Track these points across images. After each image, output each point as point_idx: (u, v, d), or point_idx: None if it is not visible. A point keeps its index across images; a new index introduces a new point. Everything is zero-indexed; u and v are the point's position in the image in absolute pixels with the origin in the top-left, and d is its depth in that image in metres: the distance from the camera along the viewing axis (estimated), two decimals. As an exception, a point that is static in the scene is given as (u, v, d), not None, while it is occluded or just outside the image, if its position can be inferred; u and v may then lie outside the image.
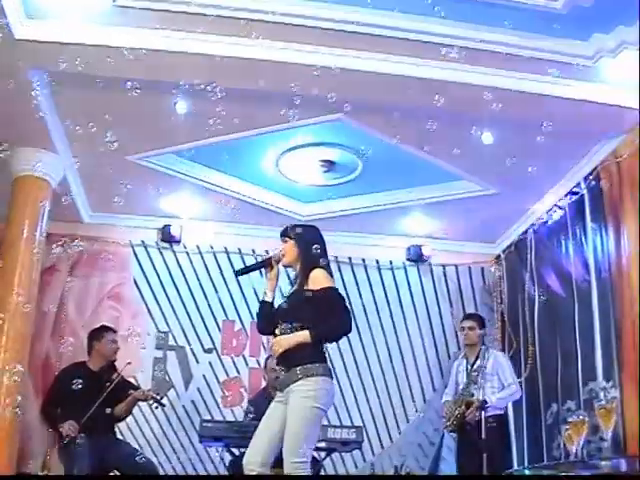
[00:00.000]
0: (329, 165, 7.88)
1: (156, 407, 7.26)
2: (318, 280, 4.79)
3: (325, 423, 7.59)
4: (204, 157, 7.76)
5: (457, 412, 7.30)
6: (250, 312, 8.86)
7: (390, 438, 9.08)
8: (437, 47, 5.83)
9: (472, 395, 7.22)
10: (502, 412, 7.28)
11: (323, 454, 7.36)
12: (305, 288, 4.81)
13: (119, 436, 7.59)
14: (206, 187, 8.26)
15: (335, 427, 7.39)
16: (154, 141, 7.32)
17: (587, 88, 6.35)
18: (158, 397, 7.15)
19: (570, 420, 4.83)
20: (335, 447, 7.25)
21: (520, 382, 7.74)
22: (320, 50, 5.93)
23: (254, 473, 4.55)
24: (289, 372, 4.65)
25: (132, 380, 7.73)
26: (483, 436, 6.77)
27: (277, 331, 4.81)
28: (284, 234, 5.04)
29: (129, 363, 7.35)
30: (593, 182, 7.36)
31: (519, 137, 6.72)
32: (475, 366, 7.44)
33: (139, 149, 7.43)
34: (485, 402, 6.90)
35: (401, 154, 7.33)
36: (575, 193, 7.70)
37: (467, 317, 8.06)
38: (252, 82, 5.90)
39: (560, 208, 7.93)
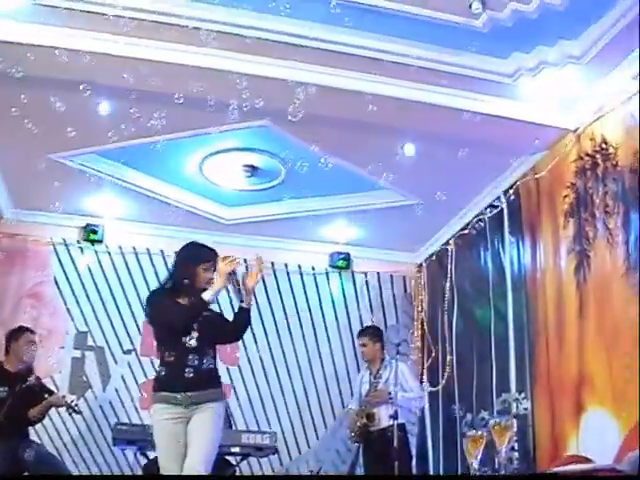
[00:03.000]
0: (252, 170, 7.87)
1: (70, 413, 7.17)
2: None
3: (242, 428, 7.66)
4: (128, 158, 7.66)
5: (359, 423, 7.36)
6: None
7: (308, 444, 9.11)
8: (358, 59, 5.89)
9: (374, 406, 7.29)
10: (403, 421, 7.33)
11: (238, 458, 7.36)
12: None
13: (33, 437, 7.46)
14: (129, 188, 8.19)
15: (249, 432, 7.42)
16: (77, 140, 7.22)
17: (507, 105, 6.47)
18: (74, 404, 7.06)
19: (469, 434, 4.88)
20: (249, 452, 7.27)
21: (437, 390, 7.81)
22: (246, 58, 5.92)
23: None
24: (204, 392, 4.84)
25: (49, 380, 7.63)
26: (395, 444, 6.83)
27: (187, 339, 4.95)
28: None
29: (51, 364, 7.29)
30: (512, 196, 7.50)
31: (441, 150, 6.80)
32: (377, 378, 7.49)
33: (62, 148, 7.34)
34: (397, 412, 6.95)
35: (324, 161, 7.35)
36: (495, 206, 7.84)
37: (359, 334, 7.96)
38: (177, 86, 5.88)
39: (480, 220, 8.06)
